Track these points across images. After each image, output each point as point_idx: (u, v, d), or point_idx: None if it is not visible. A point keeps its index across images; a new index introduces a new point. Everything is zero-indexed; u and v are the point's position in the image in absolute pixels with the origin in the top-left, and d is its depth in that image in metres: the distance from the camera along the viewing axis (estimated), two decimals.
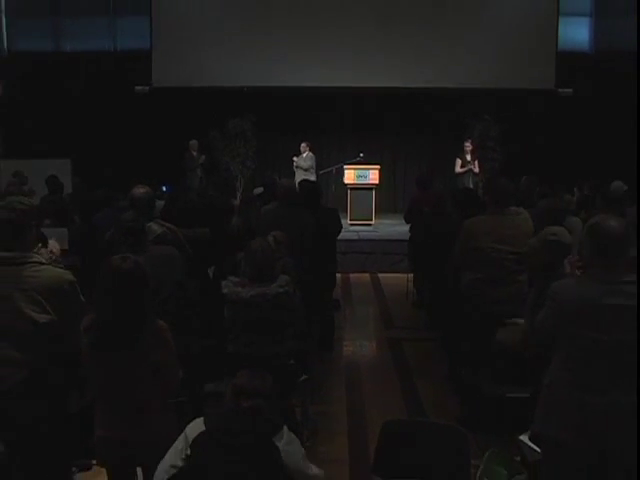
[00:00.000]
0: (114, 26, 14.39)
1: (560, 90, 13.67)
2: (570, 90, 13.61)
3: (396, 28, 13.30)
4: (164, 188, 8.96)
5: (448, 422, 3.85)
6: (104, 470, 3.37)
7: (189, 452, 2.82)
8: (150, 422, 3.16)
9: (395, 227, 12.19)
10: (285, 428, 2.90)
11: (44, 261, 3.46)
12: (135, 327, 3.11)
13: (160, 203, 6.31)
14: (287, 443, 2.84)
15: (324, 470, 4.07)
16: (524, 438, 3.60)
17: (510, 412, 4.20)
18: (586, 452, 3.02)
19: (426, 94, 13.42)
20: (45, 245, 4.17)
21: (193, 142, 13.07)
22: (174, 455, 2.86)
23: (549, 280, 4.01)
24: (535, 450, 3.41)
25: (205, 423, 2.88)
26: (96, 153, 12.98)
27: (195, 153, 13.09)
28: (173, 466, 2.84)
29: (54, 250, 4.12)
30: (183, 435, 2.88)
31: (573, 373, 3.05)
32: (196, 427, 2.87)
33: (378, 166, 12.17)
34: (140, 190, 5.12)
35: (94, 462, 3.90)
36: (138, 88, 13.70)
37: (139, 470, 3.35)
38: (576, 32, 14.36)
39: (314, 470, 2.97)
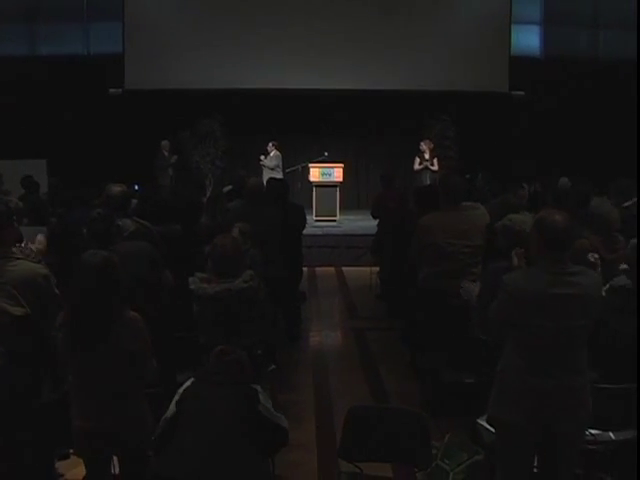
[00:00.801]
0: (87, 31, 14.40)
1: (513, 93, 14.16)
2: (522, 93, 14.13)
3: (360, 33, 13.60)
4: (136, 187, 8.97)
5: (410, 407, 3.91)
6: (81, 459, 3.40)
7: (178, 398, 3.08)
8: (126, 411, 3.20)
9: (358, 222, 12.50)
10: (258, 386, 3.16)
11: (20, 256, 3.52)
12: (106, 319, 3.14)
13: (134, 201, 6.38)
14: (261, 392, 3.13)
15: (293, 455, 4.31)
16: (481, 421, 3.73)
17: (468, 397, 4.27)
18: (536, 432, 3.15)
19: (388, 96, 13.67)
20: (21, 243, 4.26)
21: (164, 142, 13.12)
22: (169, 410, 3.09)
23: (498, 264, 4.29)
24: (491, 432, 3.49)
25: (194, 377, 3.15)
26: (71, 153, 12.90)
27: (167, 153, 13.13)
28: (165, 418, 3.09)
29: (40, 246, 4.14)
30: (178, 392, 3.12)
31: (524, 359, 3.14)
32: (188, 382, 3.14)
33: (342, 164, 12.37)
34: (116, 188, 5.21)
35: (71, 451, 3.88)
36: (111, 91, 13.73)
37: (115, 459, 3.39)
38: (528, 39, 14.84)
39: (283, 423, 3.21)
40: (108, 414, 3.17)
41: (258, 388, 3.14)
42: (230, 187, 8.18)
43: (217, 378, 3.09)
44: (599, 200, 6.49)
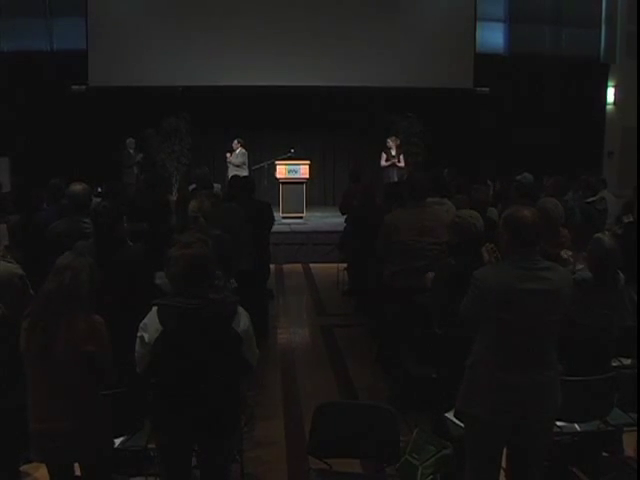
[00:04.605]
0: (50, 26, 14.09)
1: (478, 89, 14.32)
2: (487, 89, 14.28)
3: (325, 30, 13.61)
4: (99, 189, 8.86)
5: (378, 402, 3.98)
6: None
7: (158, 335, 3.03)
8: (84, 414, 3.15)
9: (325, 219, 12.54)
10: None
11: None
12: (69, 321, 3.11)
13: (96, 200, 6.27)
14: (244, 318, 3.16)
15: (262, 452, 4.28)
16: (449, 415, 3.78)
17: (435, 391, 4.27)
18: (505, 426, 3.17)
19: (354, 93, 13.69)
20: None
21: (130, 140, 12.95)
22: (143, 344, 3.07)
23: (454, 259, 4.34)
24: (459, 426, 3.52)
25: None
26: (35, 152, 12.69)
27: (132, 151, 12.96)
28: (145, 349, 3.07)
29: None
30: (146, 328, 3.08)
31: (493, 354, 3.14)
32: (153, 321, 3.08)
33: (308, 161, 12.38)
34: (77, 187, 5.14)
35: None
36: (75, 87, 13.52)
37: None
38: (492, 36, 14.99)
39: (256, 354, 3.26)
40: (65, 417, 3.13)
41: (240, 310, 3.14)
42: (194, 185, 8.10)
43: (192, 304, 3.04)
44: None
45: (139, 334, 3.07)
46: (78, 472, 3.37)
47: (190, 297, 3.04)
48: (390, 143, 12.48)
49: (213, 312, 3.05)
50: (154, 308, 3.08)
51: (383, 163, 12.43)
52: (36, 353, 3.12)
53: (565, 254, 4.83)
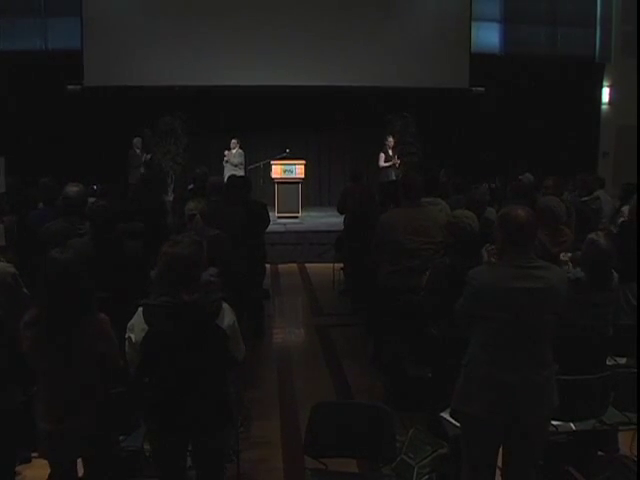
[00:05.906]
0: (45, 26, 14.02)
1: (473, 89, 14.30)
2: (482, 89, 14.27)
3: (321, 29, 13.57)
4: (95, 187, 8.87)
5: (374, 402, 3.99)
6: (42, 462, 3.35)
7: (144, 335, 3.03)
8: (91, 413, 3.17)
9: (321, 219, 12.55)
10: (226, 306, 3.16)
11: None
12: (74, 319, 3.10)
13: (91, 200, 6.27)
14: (229, 314, 3.15)
15: (258, 452, 4.28)
16: (445, 414, 3.77)
17: (431, 391, 4.30)
18: (501, 425, 3.18)
19: (349, 92, 13.67)
20: None
21: (137, 139, 12.89)
22: (132, 347, 3.06)
23: (441, 259, 4.35)
24: (455, 425, 3.54)
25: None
26: (30, 152, 12.61)
27: (138, 151, 12.89)
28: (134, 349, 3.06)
29: None
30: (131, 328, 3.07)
31: (488, 353, 3.16)
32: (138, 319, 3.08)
33: (304, 161, 12.41)
34: (72, 188, 5.19)
35: (34, 455, 3.76)
36: (70, 87, 13.45)
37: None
38: (488, 36, 15.00)
39: (242, 349, 3.28)
40: (73, 416, 3.13)
41: (224, 306, 3.13)
42: (193, 185, 8.11)
43: (176, 303, 3.02)
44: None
45: (127, 335, 3.08)
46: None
47: (173, 296, 3.03)
48: (391, 142, 12.46)
49: (197, 310, 3.05)
50: (139, 308, 3.08)
51: (382, 163, 12.39)
52: (50, 358, 3.11)
53: (564, 257, 4.84)
